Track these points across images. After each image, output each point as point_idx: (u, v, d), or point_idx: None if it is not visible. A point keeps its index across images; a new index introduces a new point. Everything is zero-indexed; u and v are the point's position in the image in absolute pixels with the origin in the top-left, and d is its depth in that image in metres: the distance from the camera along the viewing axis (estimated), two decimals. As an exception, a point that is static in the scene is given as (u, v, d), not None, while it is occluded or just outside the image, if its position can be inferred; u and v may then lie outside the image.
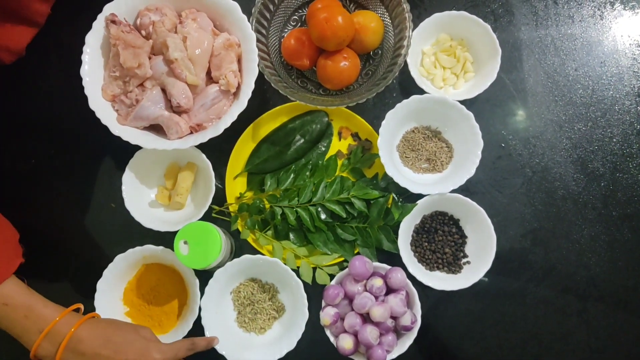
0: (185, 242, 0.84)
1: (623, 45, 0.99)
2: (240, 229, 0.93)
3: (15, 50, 0.90)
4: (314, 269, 0.92)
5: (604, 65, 0.99)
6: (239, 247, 0.95)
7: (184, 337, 0.87)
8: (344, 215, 0.91)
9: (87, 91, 0.85)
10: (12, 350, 0.95)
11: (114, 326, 0.77)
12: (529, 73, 0.98)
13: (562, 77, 0.98)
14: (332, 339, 0.88)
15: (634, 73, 0.98)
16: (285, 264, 0.89)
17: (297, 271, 0.90)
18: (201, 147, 0.88)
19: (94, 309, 0.87)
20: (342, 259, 0.92)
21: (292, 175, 0.95)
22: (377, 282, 0.86)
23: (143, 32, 0.88)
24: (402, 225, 0.90)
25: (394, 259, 0.90)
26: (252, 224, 0.93)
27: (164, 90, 0.88)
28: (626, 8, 1.01)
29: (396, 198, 0.93)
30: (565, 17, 1.00)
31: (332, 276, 0.90)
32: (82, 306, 0.80)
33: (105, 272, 0.89)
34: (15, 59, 0.91)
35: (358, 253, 0.92)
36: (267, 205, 0.94)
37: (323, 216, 0.92)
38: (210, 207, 0.90)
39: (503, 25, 1.00)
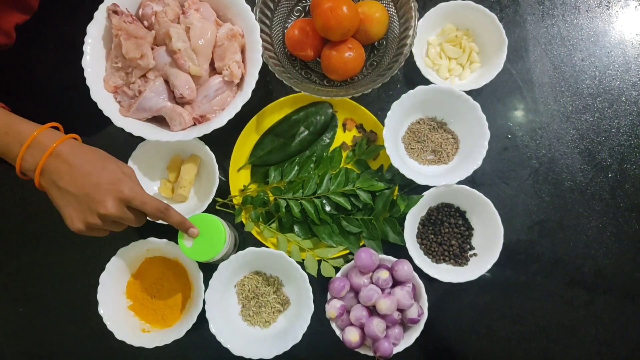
0: (189, 235, 0.83)
1: (630, 35, 0.98)
2: (244, 221, 0.93)
3: (3, 28, 0.86)
4: (319, 261, 0.91)
5: (611, 55, 0.98)
6: (243, 241, 0.94)
7: (188, 331, 0.86)
8: (349, 207, 0.90)
9: (88, 82, 0.84)
10: (15, 347, 0.95)
11: (97, 152, 0.76)
12: (535, 63, 0.97)
13: (569, 67, 0.97)
14: (338, 332, 0.87)
15: (641, 63, 0.97)
16: (290, 256, 0.88)
17: (302, 264, 0.89)
18: (204, 139, 0.88)
19: (96, 303, 0.87)
20: (347, 251, 0.91)
21: (296, 167, 0.94)
22: (384, 275, 0.85)
23: (145, 23, 0.87)
24: (408, 217, 0.89)
25: (400, 251, 0.89)
26: (256, 216, 0.92)
27: (167, 82, 0.87)
28: (633, -3, 1.00)
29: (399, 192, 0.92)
30: (572, 7, 0.99)
31: (337, 269, 0.89)
32: (60, 126, 0.78)
33: (108, 266, 0.88)
34: (5, 42, 0.89)
35: (363, 245, 0.91)
36: (272, 198, 0.93)
37: (328, 208, 0.91)
38: (213, 199, 0.89)
39: (509, 15, 0.99)
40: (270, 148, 0.94)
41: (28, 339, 0.95)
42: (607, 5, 0.99)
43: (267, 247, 0.91)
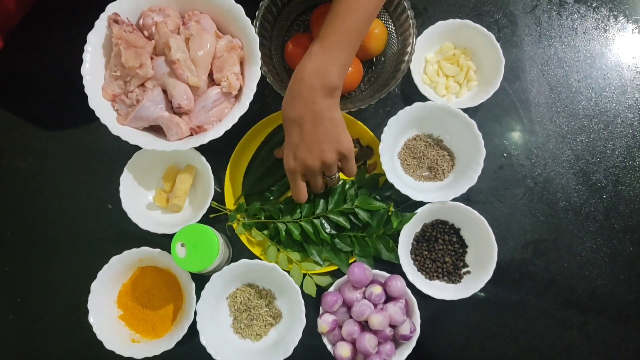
0: (183, 245, 0.82)
1: (626, 58, 0.99)
2: (234, 227, 0.92)
3: None
4: (304, 275, 0.90)
5: (607, 77, 0.99)
6: (237, 253, 0.94)
7: (178, 342, 0.85)
8: (349, 227, 0.89)
9: (87, 90, 0.84)
10: (4, 354, 0.94)
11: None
12: (532, 83, 0.98)
13: (565, 88, 0.98)
14: (329, 346, 0.86)
15: (637, 86, 0.98)
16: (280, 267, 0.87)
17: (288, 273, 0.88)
18: (201, 149, 0.88)
19: (87, 311, 0.86)
20: (335, 267, 0.90)
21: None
22: (377, 290, 0.84)
23: (145, 33, 0.88)
24: (402, 233, 0.89)
25: (394, 267, 0.89)
26: (249, 225, 0.92)
27: (165, 91, 0.87)
28: (629, 21, 1.01)
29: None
30: (569, 28, 1.00)
31: (319, 287, 0.89)
32: None
33: (100, 274, 0.87)
34: None
35: (354, 262, 0.90)
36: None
37: (327, 229, 0.90)
38: (208, 209, 0.89)
39: (506, 36, 1.00)
40: (260, 174, 0.93)
41: (17, 346, 0.94)
42: (604, 28, 1.00)
43: (260, 259, 0.90)
